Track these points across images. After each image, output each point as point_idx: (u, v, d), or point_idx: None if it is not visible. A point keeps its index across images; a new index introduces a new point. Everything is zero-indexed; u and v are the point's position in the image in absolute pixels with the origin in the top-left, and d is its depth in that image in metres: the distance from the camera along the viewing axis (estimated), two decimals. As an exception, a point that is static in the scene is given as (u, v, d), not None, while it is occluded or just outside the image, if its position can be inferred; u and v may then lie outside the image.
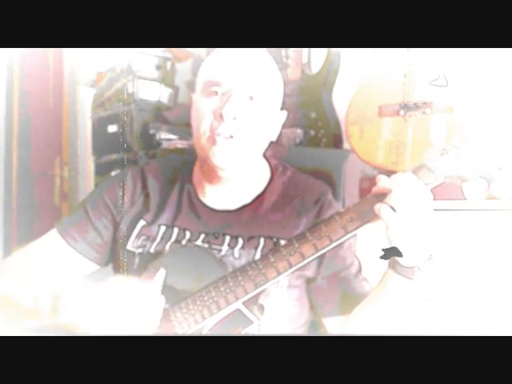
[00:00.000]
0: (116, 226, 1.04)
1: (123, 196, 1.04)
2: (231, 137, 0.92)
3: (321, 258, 0.95)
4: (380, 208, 0.79)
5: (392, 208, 0.78)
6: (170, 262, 0.91)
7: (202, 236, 0.98)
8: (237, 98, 0.93)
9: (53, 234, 1.04)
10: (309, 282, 0.99)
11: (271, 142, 1.03)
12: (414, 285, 0.85)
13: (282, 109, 1.04)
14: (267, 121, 0.99)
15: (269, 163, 1.06)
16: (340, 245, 0.96)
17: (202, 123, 0.94)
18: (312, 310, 1.02)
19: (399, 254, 0.82)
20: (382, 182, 0.82)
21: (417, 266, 0.83)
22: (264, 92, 0.97)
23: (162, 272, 0.88)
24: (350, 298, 0.96)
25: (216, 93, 0.94)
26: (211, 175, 0.99)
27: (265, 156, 1.06)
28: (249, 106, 0.94)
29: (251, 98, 0.95)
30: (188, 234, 0.99)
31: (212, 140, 0.93)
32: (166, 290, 0.89)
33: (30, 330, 0.88)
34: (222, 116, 0.91)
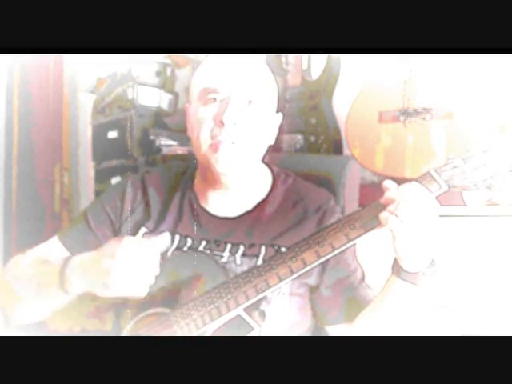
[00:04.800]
0: (116, 233, 1.04)
1: (122, 204, 1.04)
2: (233, 143, 0.92)
3: (324, 265, 0.95)
4: (387, 218, 0.77)
5: (399, 218, 0.77)
6: (171, 267, 0.92)
7: (204, 243, 0.98)
8: (236, 103, 0.93)
9: (54, 242, 1.04)
10: (312, 290, 0.99)
11: (270, 146, 1.03)
12: (418, 290, 0.84)
13: (278, 112, 1.04)
14: (266, 124, 0.99)
15: (271, 170, 1.06)
16: (343, 252, 0.95)
17: (202, 131, 0.94)
18: (315, 317, 1.02)
19: None
20: (390, 191, 0.80)
21: (421, 272, 0.83)
22: (261, 95, 0.97)
23: (166, 235, 0.89)
24: (353, 306, 0.96)
25: (214, 99, 0.94)
26: (214, 182, 0.99)
27: (266, 163, 1.06)
28: (248, 111, 0.94)
29: (250, 102, 0.95)
30: (189, 241, 0.99)
31: (214, 147, 0.92)
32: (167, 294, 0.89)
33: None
34: (222, 122, 0.91)
